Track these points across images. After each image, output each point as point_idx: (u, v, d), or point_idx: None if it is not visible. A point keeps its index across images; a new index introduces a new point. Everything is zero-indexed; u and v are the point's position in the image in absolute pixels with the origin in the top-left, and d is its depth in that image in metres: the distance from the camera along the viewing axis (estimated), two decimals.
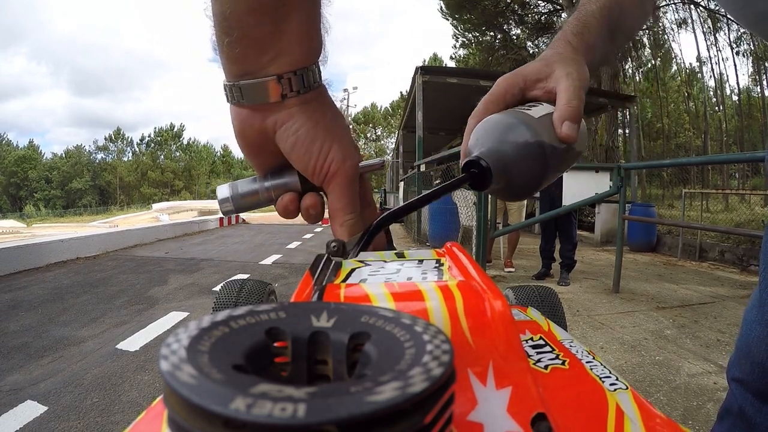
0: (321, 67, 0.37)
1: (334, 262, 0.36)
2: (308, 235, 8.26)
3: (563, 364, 0.33)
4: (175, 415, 0.12)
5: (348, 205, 0.40)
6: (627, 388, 0.30)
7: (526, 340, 0.39)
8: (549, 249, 3.63)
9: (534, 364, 0.32)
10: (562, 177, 3.26)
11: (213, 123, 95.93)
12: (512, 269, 3.89)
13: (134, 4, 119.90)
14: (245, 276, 3.95)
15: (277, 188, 0.39)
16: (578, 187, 3.16)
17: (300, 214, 0.41)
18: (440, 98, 7.35)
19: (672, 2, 12.03)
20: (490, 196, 3.30)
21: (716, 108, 13.69)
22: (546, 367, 0.32)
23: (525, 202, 3.95)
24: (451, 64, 19.10)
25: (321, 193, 0.41)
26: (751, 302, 0.60)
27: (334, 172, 0.38)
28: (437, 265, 0.43)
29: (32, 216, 34.88)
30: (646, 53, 13.90)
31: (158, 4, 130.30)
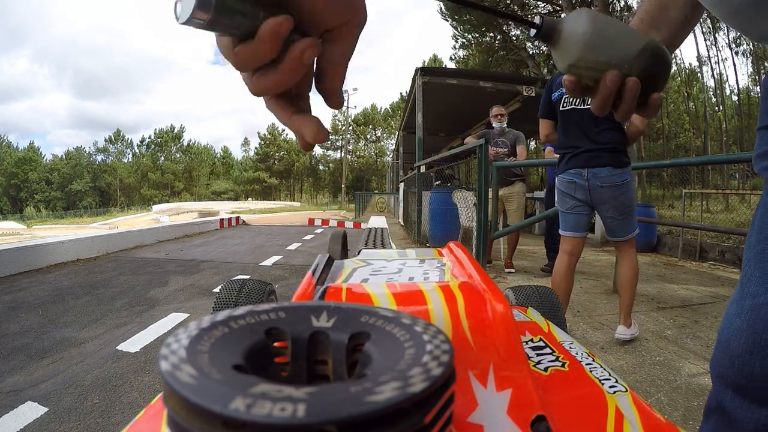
0: None
1: (336, 261, 0.36)
2: (308, 237, 8.26)
3: (563, 366, 0.33)
4: (174, 415, 0.12)
5: (346, 65, 0.32)
6: (627, 390, 0.30)
7: (527, 342, 0.39)
8: (554, 244, 3.90)
9: (534, 365, 0.32)
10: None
11: (213, 124, 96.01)
12: (512, 270, 3.89)
13: (135, 5, 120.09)
14: (245, 277, 3.95)
15: (270, 6, 0.28)
16: None
17: (280, 63, 0.28)
18: (440, 99, 7.36)
19: None
20: (490, 198, 3.30)
21: (716, 108, 13.69)
22: (546, 369, 0.32)
23: (524, 202, 3.96)
24: (451, 65, 19.13)
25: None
26: (733, 296, 0.60)
27: (357, 10, 0.30)
28: (439, 264, 0.43)
29: (32, 217, 34.89)
30: None
31: (159, 6, 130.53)
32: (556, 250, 4.02)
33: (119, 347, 2.20)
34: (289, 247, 6.54)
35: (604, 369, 0.34)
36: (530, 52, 13.70)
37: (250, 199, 44.47)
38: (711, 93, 13.36)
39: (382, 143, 46.58)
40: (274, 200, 43.63)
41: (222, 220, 10.70)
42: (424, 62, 37.63)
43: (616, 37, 0.39)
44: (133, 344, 2.24)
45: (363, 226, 9.37)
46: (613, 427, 0.24)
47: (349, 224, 10.38)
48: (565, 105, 2.02)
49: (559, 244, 2.14)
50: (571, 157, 1.95)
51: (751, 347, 0.53)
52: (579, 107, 1.97)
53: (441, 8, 14.07)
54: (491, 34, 14.39)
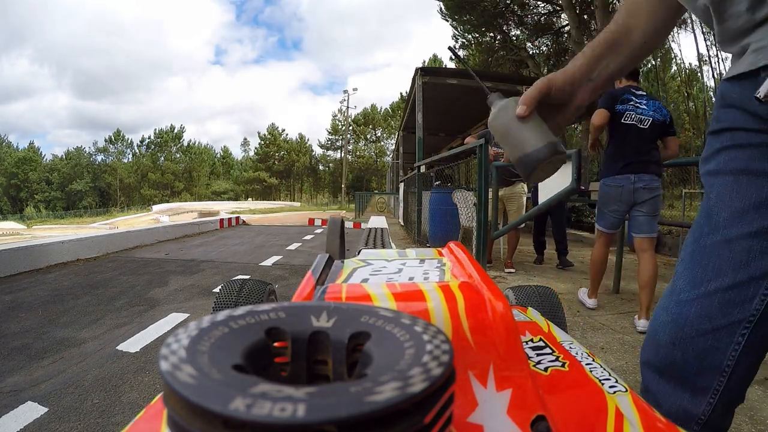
0: None
1: (336, 261, 0.36)
2: (308, 237, 8.26)
3: (563, 366, 0.33)
4: (174, 415, 0.12)
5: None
6: (627, 390, 0.30)
7: (527, 342, 0.39)
8: (540, 238, 4.41)
9: (534, 365, 0.32)
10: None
11: (213, 124, 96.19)
12: (512, 270, 3.89)
13: (135, 4, 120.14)
14: (245, 277, 3.94)
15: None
16: (550, 183, 2.80)
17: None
18: (440, 99, 7.36)
19: None
20: (490, 198, 3.30)
21: None
22: (546, 369, 0.32)
23: (524, 203, 3.96)
24: (451, 65, 19.13)
25: None
26: (665, 291, 0.66)
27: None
28: (439, 264, 0.43)
29: (33, 217, 34.89)
30: None
31: (160, 6, 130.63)
32: (543, 243, 4.36)
33: (119, 347, 2.20)
34: (289, 247, 6.54)
35: (604, 369, 0.34)
36: (530, 52, 13.68)
37: (250, 199, 44.44)
38: (711, 93, 13.35)
39: (382, 143, 46.57)
40: (274, 200, 43.61)
41: (222, 220, 10.71)
42: (424, 62, 37.61)
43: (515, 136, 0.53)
44: (133, 344, 2.24)
45: (363, 226, 9.37)
46: (613, 427, 0.24)
47: (349, 224, 10.37)
48: (626, 119, 2.39)
49: (595, 236, 2.59)
50: (624, 165, 2.39)
51: (674, 339, 0.59)
52: (638, 125, 2.38)
53: (441, 8, 14.06)
54: (491, 34, 14.37)
